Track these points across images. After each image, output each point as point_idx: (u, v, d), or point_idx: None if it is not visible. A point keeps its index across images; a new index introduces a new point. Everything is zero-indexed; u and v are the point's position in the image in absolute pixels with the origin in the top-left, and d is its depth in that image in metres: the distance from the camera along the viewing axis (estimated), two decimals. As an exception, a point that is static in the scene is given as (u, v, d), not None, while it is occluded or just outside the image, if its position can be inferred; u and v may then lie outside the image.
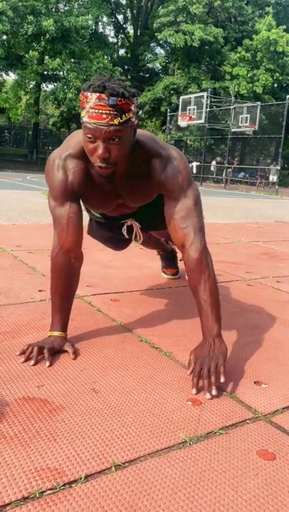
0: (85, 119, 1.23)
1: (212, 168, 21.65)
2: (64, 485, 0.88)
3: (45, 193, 8.36)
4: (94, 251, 3.10)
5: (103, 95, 1.18)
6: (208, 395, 1.23)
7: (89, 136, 1.23)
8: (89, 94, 1.21)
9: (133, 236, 1.90)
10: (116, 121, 1.20)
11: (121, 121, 1.21)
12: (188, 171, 1.47)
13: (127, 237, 1.91)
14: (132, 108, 1.24)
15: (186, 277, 1.50)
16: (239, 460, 1.00)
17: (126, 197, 1.55)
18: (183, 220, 1.43)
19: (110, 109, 1.19)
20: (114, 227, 1.90)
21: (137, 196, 1.55)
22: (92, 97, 1.20)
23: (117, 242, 2.02)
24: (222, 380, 1.25)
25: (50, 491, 0.86)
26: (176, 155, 1.46)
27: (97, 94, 1.19)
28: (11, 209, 5.48)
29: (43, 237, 3.58)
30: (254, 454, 1.02)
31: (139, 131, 1.42)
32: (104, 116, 1.19)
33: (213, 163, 22.17)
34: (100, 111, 1.19)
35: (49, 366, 1.35)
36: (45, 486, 0.87)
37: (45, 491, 0.86)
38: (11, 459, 0.94)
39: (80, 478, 0.90)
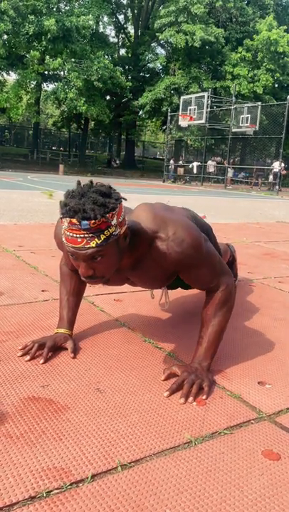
0: (63, 237, 1.14)
1: (210, 169, 21.51)
2: (71, 484, 0.88)
3: (45, 193, 8.37)
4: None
5: (74, 220, 1.08)
6: (182, 400, 1.22)
7: (69, 253, 1.15)
8: (62, 217, 1.11)
9: (160, 300, 1.80)
10: (93, 244, 1.09)
11: (99, 241, 1.09)
12: (196, 238, 1.29)
13: (152, 298, 1.88)
14: (114, 222, 1.11)
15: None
16: (244, 460, 1.00)
17: (136, 281, 1.44)
18: (210, 281, 1.37)
19: (84, 232, 1.08)
20: None
21: (150, 280, 1.42)
22: (65, 222, 1.11)
23: None
24: (204, 397, 1.24)
25: (57, 491, 0.86)
26: (179, 229, 1.28)
27: (68, 219, 1.09)
28: (12, 209, 5.48)
29: (45, 237, 3.58)
30: (259, 454, 1.03)
31: (137, 211, 1.34)
32: (79, 240, 1.09)
33: (211, 162, 21.92)
34: (74, 235, 1.09)
35: (43, 363, 1.38)
36: (52, 485, 0.87)
37: (52, 491, 0.86)
38: (17, 458, 0.94)
39: (87, 478, 0.90)
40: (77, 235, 1.09)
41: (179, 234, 1.27)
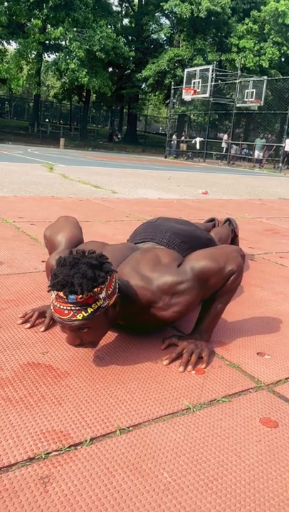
0: (51, 306, 1.13)
1: (223, 145, 20.92)
2: (69, 447, 0.89)
3: (45, 166, 8.27)
4: (96, 223, 3.08)
5: (61, 293, 1.07)
6: (181, 368, 1.22)
7: (57, 321, 1.14)
8: (50, 289, 1.10)
9: None
10: (79, 317, 1.08)
11: (86, 314, 1.08)
12: (193, 288, 1.26)
13: None
14: (102, 295, 1.10)
15: None
16: (242, 427, 1.01)
17: (130, 325, 1.43)
18: (222, 282, 1.32)
19: (71, 305, 1.07)
20: None
21: (148, 329, 1.44)
22: (53, 294, 1.10)
23: None
24: (203, 366, 1.25)
25: (56, 453, 0.87)
26: (173, 290, 1.25)
27: (56, 292, 1.08)
28: (12, 181, 5.43)
29: (45, 209, 3.55)
30: (257, 421, 1.03)
31: (126, 272, 1.30)
32: (65, 312, 1.08)
33: (225, 138, 21.13)
34: (62, 306, 1.08)
35: (43, 331, 1.38)
36: (50, 447, 0.88)
37: (50, 452, 0.87)
38: (16, 421, 0.95)
39: (86, 441, 0.91)
40: (64, 307, 1.08)
41: (176, 296, 1.25)
